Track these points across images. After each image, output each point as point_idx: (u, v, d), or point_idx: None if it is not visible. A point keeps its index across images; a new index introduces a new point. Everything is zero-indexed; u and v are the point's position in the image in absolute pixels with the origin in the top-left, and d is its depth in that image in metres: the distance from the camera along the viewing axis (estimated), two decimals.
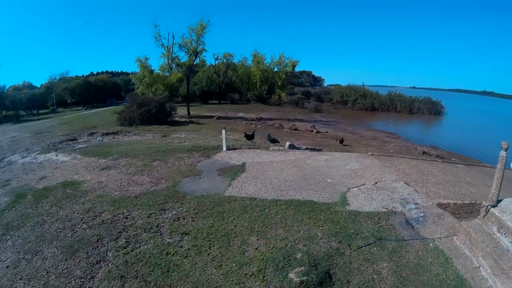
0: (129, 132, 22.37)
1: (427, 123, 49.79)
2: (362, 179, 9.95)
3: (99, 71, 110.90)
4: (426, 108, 58.21)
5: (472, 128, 44.53)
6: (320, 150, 14.52)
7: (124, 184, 9.54)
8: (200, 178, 9.91)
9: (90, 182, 9.85)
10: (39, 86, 76.65)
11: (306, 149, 14.25)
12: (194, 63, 40.67)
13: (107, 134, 21.52)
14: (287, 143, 14.32)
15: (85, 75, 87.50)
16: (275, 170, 10.69)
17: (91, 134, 21.41)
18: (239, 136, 20.80)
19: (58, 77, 75.74)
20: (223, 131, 13.81)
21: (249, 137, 17.49)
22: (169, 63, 40.44)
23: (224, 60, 60.39)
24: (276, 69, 61.18)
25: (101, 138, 19.97)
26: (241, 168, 10.88)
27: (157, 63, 42.86)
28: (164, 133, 22.13)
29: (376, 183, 9.54)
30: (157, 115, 27.05)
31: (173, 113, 31.89)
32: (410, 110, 58.15)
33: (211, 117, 35.33)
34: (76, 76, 79.20)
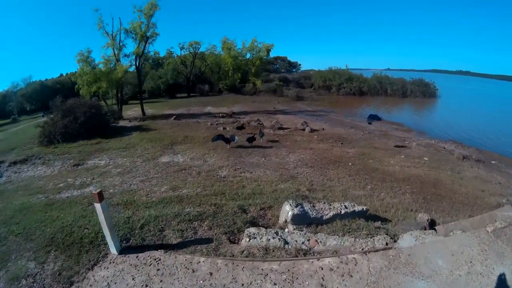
0: (40, 158, 14.57)
1: (426, 107, 43.69)
2: None
3: (69, 72, 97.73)
4: (419, 90, 52.30)
5: (476, 113, 38.84)
6: (364, 212, 6.36)
7: None
8: None
9: None
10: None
11: (335, 216, 5.89)
12: (146, 51, 32.19)
13: (15, 163, 14.05)
14: (288, 211, 5.78)
15: (54, 78, 76.29)
16: None
17: None
18: (192, 155, 13.16)
19: (21, 83, 66.41)
20: (98, 206, 4.65)
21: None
22: (114, 54, 31.79)
23: (191, 49, 53.32)
24: (248, 56, 54.46)
25: None
26: None
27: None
28: (82, 157, 13.97)
29: None
30: (86, 125, 18.81)
31: (115, 116, 23.98)
32: (403, 93, 52.06)
33: (172, 115, 27.25)
34: (39, 81, 69.33)
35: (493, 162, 16.40)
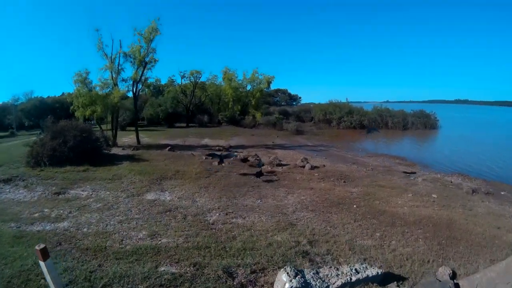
0: (24, 180, 13.73)
1: (428, 139, 43.12)
2: None
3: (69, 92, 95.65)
4: (420, 122, 52.06)
5: (478, 142, 38.41)
6: (379, 276, 5.23)
7: None
8: None
9: None
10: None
11: (344, 285, 4.63)
12: (144, 77, 31.30)
13: None
14: (285, 283, 4.47)
15: (56, 96, 75.80)
16: None
17: None
18: (181, 193, 12.02)
19: (22, 97, 66.95)
20: (42, 264, 3.66)
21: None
22: (112, 77, 30.86)
23: (192, 78, 53.22)
24: (249, 87, 53.75)
25: None
26: None
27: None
28: (65, 185, 12.97)
29: None
30: (75, 150, 17.82)
31: (108, 143, 23.20)
32: (403, 126, 51.57)
33: (167, 146, 26.29)
34: (40, 97, 69.15)
35: (502, 193, 15.57)
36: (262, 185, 13.69)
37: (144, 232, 7.75)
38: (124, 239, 7.35)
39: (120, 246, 6.87)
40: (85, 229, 8.01)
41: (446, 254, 7.39)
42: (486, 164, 24.30)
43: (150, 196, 11.54)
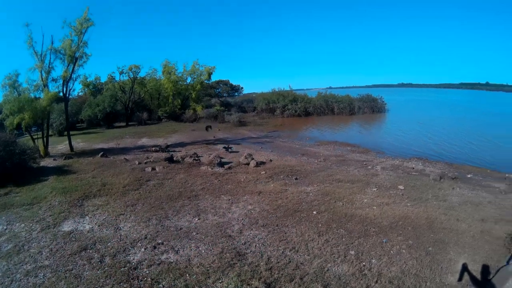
0: None
1: (377, 123, 43.36)
2: None
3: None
4: (367, 106, 52.27)
5: (427, 123, 38.55)
6: None
7: None
8: None
9: None
10: None
11: None
12: (74, 74, 27.09)
13: None
14: None
15: None
16: None
17: None
18: (103, 217, 9.40)
19: None
20: None
21: None
22: (42, 78, 26.44)
23: (131, 74, 49.12)
24: (189, 80, 51.74)
25: None
26: None
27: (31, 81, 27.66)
28: None
29: None
30: None
31: (37, 155, 19.66)
32: (350, 111, 51.48)
33: (101, 151, 23.04)
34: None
35: (468, 176, 15.06)
36: (201, 194, 11.49)
37: None
38: None
39: None
40: None
41: (440, 267, 6.41)
42: (441, 145, 24.29)
43: (67, 226, 8.90)
